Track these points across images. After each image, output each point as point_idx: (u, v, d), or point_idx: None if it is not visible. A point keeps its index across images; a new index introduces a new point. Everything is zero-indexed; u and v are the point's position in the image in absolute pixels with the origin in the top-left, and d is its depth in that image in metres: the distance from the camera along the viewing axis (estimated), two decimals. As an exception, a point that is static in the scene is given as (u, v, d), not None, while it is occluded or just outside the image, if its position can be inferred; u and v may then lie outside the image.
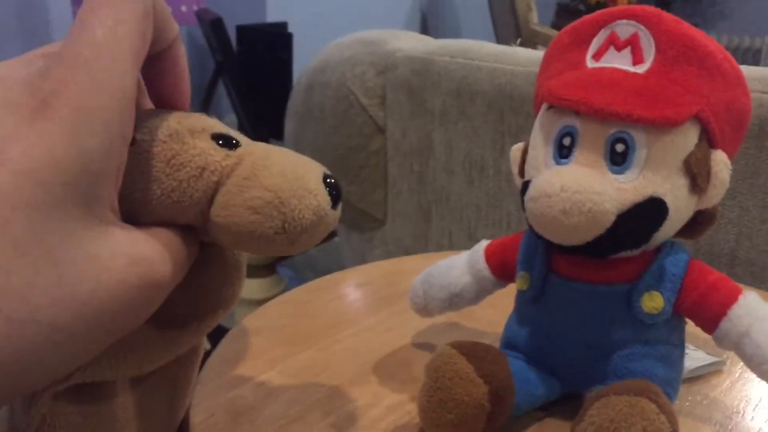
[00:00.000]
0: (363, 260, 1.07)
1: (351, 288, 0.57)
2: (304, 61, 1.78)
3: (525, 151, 0.42)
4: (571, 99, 0.37)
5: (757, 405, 0.43)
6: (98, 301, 0.22)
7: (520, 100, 0.84)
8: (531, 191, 0.36)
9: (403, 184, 0.97)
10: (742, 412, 0.42)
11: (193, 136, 0.28)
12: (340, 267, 0.58)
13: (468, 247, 0.47)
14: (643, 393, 0.33)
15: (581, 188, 0.35)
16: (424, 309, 0.46)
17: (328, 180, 0.30)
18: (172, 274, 0.26)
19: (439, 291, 0.45)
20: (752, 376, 0.38)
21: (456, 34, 3.46)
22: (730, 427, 0.40)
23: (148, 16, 0.25)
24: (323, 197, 0.29)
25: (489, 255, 0.44)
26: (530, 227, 0.38)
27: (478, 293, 0.45)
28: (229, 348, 0.48)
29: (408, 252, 0.99)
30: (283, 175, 0.29)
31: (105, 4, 0.24)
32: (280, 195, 0.28)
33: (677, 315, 0.39)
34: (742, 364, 0.46)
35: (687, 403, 0.43)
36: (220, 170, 0.28)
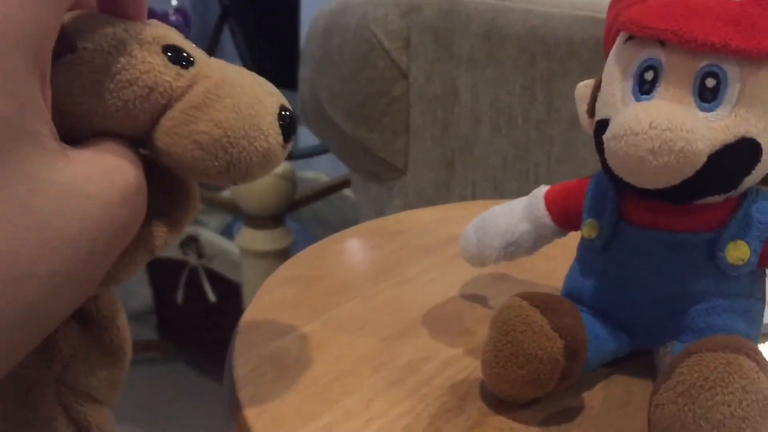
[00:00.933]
0: (380, 212, 1.04)
1: (385, 237, 0.54)
2: (310, 4, 1.72)
3: (596, 89, 0.38)
4: (658, 27, 0.33)
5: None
6: (88, 233, 0.21)
7: (555, 44, 0.80)
8: (613, 128, 0.33)
9: (426, 132, 0.93)
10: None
11: (142, 47, 0.25)
12: (349, 221, 0.55)
13: (492, 198, 0.44)
14: (740, 350, 0.30)
15: (672, 125, 0.31)
16: (477, 257, 0.43)
17: (284, 113, 0.28)
18: (143, 177, 0.25)
19: (494, 238, 0.42)
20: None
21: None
22: (809, 386, 0.38)
23: None
24: (275, 138, 0.27)
25: (550, 201, 0.41)
26: (605, 170, 0.35)
27: (536, 242, 0.42)
28: (265, 298, 0.45)
29: (428, 203, 0.96)
30: (237, 110, 0.26)
31: None
32: (230, 134, 0.26)
33: (760, 267, 0.36)
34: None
35: (760, 361, 0.40)
36: (170, 92, 0.26)
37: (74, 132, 0.25)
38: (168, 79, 0.26)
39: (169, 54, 0.26)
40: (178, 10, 1.82)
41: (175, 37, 0.27)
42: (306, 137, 1.44)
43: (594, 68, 0.82)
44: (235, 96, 0.26)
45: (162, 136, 0.26)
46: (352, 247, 0.53)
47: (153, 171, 0.27)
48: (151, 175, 0.26)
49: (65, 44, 0.24)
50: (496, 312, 0.35)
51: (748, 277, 0.36)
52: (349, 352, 0.39)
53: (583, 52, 0.78)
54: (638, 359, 0.38)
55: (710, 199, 0.35)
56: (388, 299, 0.45)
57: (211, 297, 1.49)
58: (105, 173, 0.23)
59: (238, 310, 1.44)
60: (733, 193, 0.35)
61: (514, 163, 0.87)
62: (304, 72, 1.05)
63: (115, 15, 0.26)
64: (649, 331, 0.37)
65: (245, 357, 0.38)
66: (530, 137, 0.85)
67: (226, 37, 1.89)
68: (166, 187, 0.29)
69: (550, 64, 0.80)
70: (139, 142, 0.27)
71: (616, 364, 0.38)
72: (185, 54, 0.27)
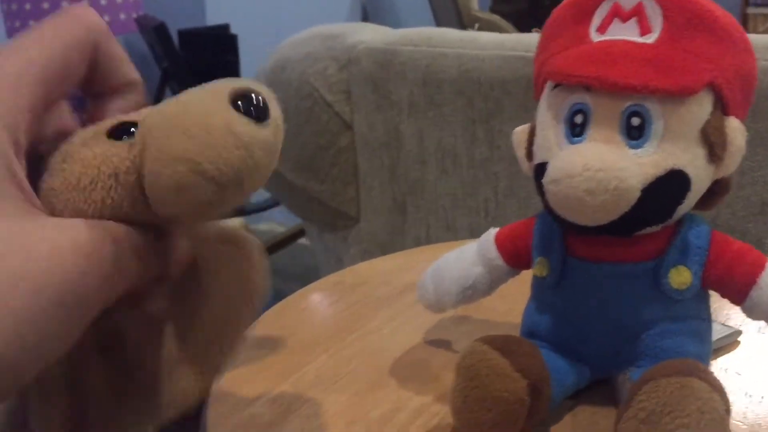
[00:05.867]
0: (338, 260, 1.05)
1: (347, 290, 0.55)
2: (249, 63, 1.74)
3: (531, 134, 0.40)
4: (582, 75, 0.35)
5: (781, 371, 0.42)
6: (47, 279, 0.22)
7: (489, 84, 0.82)
8: (551, 173, 0.35)
9: (375, 179, 0.95)
10: (768, 380, 0.41)
11: (87, 146, 0.26)
12: (308, 269, 0.55)
13: (447, 238, 0.46)
14: (692, 373, 0.32)
15: (604, 166, 0.33)
16: (436, 304, 0.44)
17: (240, 100, 0.25)
18: (112, 246, 0.25)
19: (450, 284, 0.44)
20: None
21: (396, 23, 3.45)
22: (761, 396, 0.40)
23: (78, 49, 0.26)
24: (239, 126, 0.25)
25: (500, 243, 0.43)
26: (548, 210, 0.37)
27: (492, 283, 0.44)
28: (237, 362, 0.45)
29: (384, 247, 0.98)
30: (189, 134, 0.25)
31: (40, 28, 0.26)
32: (193, 157, 0.24)
33: (703, 288, 0.38)
34: (757, 332, 0.46)
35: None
36: (134, 166, 0.26)
37: None
38: (123, 155, 0.26)
39: (115, 134, 0.27)
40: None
41: (117, 118, 0.27)
42: (257, 192, 1.44)
43: (529, 105, 0.85)
44: (182, 124, 0.25)
45: (156, 205, 0.26)
46: (315, 303, 0.54)
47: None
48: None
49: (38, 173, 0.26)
50: (459, 358, 0.36)
51: (693, 300, 0.38)
52: (321, 411, 0.40)
53: (516, 91, 0.81)
54: (599, 388, 0.40)
55: (649, 230, 0.37)
56: (356, 352, 0.46)
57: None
58: (67, 231, 0.24)
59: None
60: (669, 222, 0.37)
61: (464, 201, 0.89)
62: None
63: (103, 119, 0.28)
64: (607, 360, 0.39)
65: (220, 428, 0.38)
66: (476, 176, 0.88)
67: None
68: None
69: (487, 103, 0.83)
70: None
71: (579, 395, 0.40)
72: (126, 126, 0.27)
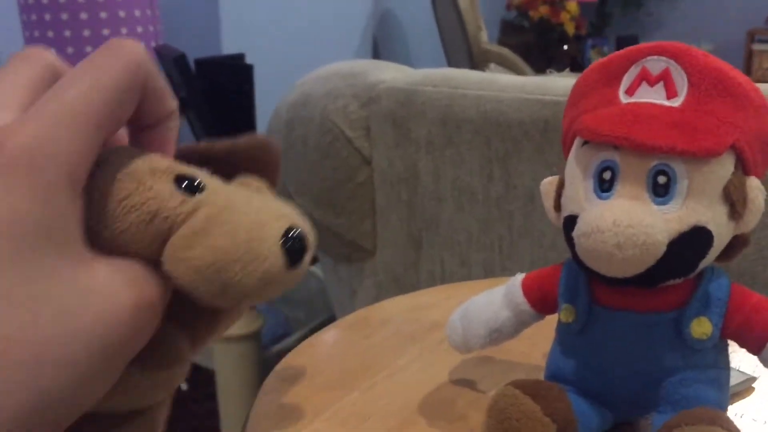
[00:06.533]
0: (352, 292, 1.07)
1: (373, 327, 0.57)
2: (263, 93, 1.77)
3: (559, 186, 0.42)
4: (611, 135, 0.38)
5: (795, 418, 0.44)
6: (100, 330, 0.23)
7: (507, 125, 0.85)
8: (582, 227, 0.37)
9: (392, 213, 0.97)
10: (783, 427, 0.43)
11: (153, 176, 0.27)
12: (316, 295, 0.57)
13: (461, 274, 0.48)
14: (715, 422, 0.34)
15: (633, 222, 0.36)
16: (463, 345, 0.46)
17: (292, 234, 0.28)
18: (162, 292, 0.27)
19: (478, 327, 0.45)
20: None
21: (406, 58, 3.49)
22: (777, 443, 0.42)
23: (131, 90, 0.26)
24: (276, 261, 0.27)
25: (527, 288, 0.45)
26: (576, 260, 0.39)
27: (518, 327, 0.46)
28: (269, 399, 0.47)
29: (399, 281, 0.99)
30: (233, 235, 0.27)
31: (92, 66, 0.25)
32: (222, 259, 0.26)
33: (722, 338, 0.40)
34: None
35: (729, 422, 0.44)
36: (173, 218, 0.27)
37: (94, 247, 0.26)
38: (172, 204, 0.27)
39: (182, 182, 0.27)
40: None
41: (193, 170, 0.29)
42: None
43: (545, 147, 0.88)
44: (234, 221, 0.27)
45: (166, 261, 0.27)
46: (343, 339, 0.56)
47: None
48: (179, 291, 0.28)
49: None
50: (491, 400, 0.38)
51: (712, 349, 0.40)
52: (354, 448, 0.42)
53: (534, 133, 0.83)
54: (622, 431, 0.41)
55: (672, 282, 0.39)
56: (385, 391, 0.48)
57: (183, 386, 1.49)
58: (123, 281, 0.25)
59: (210, 397, 1.43)
60: (692, 275, 0.39)
61: (478, 237, 0.92)
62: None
63: (143, 147, 0.28)
64: (629, 404, 0.41)
65: (259, 462, 0.40)
66: (491, 213, 0.90)
67: (184, 128, 1.92)
68: (193, 304, 0.29)
69: (505, 144, 0.86)
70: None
71: (603, 438, 0.41)
72: (196, 183, 0.28)
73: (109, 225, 0.26)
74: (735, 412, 0.45)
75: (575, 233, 0.38)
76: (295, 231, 0.28)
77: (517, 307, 0.45)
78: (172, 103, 0.29)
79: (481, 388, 0.48)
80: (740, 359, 0.50)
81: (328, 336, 0.56)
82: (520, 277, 0.46)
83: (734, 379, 0.47)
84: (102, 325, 0.24)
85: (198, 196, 0.28)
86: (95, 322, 0.23)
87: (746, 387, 0.47)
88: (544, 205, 0.44)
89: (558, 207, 0.42)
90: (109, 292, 0.24)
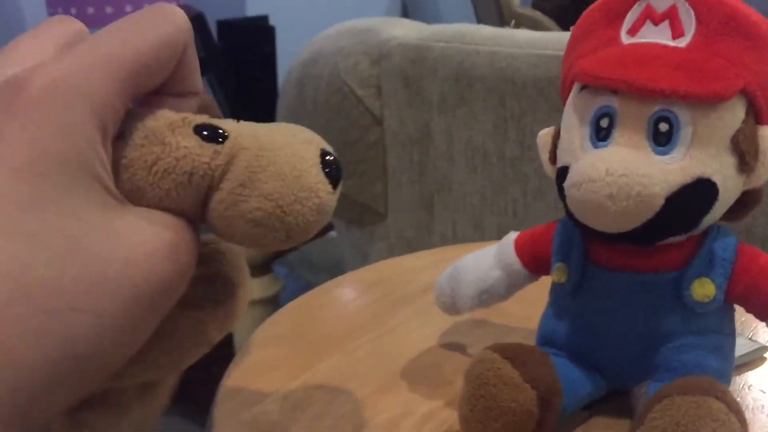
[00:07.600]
0: (364, 255, 1.04)
1: (365, 289, 0.55)
2: (286, 55, 1.74)
3: (555, 136, 0.39)
4: (609, 77, 0.34)
5: (809, 391, 0.41)
6: (131, 279, 0.22)
7: (522, 83, 0.81)
8: (572, 176, 0.34)
9: (403, 175, 0.94)
10: (795, 400, 0.40)
11: (174, 132, 0.25)
12: (336, 262, 0.55)
13: (474, 236, 0.45)
14: (709, 392, 0.31)
15: (628, 171, 0.32)
16: (452, 307, 0.43)
17: (327, 159, 0.27)
18: (196, 242, 0.25)
19: (467, 287, 0.43)
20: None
21: (436, 19, 3.43)
22: (786, 417, 0.38)
23: (170, 49, 0.25)
24: (325, 190, 0.26)
25: (519, 247, 0.42)
26: (569, 215, 0.36)
27: (509, 288, 0.43)
28: (247, 360, 0.45)
29: (411, 244, 0.97)
30: (282, 177, 0.25)
31: (134, 20, 0.25)
32: (282, 203, 0.25)
33: (727, 302, 0.37)
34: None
35: (736, 392, 0.40)
36: (211, 173, 0.25)
37: None
38: (206, 160, 0.25)
39: (204, 133, 0.26)
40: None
41: (203, 116, 0.27)
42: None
43: (562, 106, 0.83)
44: (276, 161, 0.26)
45: (217, 222, 0.26)
46: (333, 300, 0.54)
47: (210, 262, 0.27)
48: (207, 266, 0.27)
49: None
50: (469, 365, 0.35)
51: (716, 314, 0.36)
52: (329, 412, 0.39)
53: (550, 91, 0.79)
54: (615, 400, 0.39)
55: (673, 239, 0.35)
56: (369, 353, 0.45)
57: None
58: (153, 226, 0.23)
59: (230, 360, 1.43)
60: (695, 232, 0.36)
61: (492, 200, 0.88)
62: (281, 122, 1.06)
63: (170, 93, 0.27)
64: (624, 371, 0.38)
65: (226, 425, 0.38)
66: (506, 175, 0.86)
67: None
68: (219, 279, 0.29)
69: (520, 102, 0.82)
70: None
71: (594, 406, 0.38)
72: (219, 130, 0.26)
73: (146, 195, 0.25)
74: (743, 382, 0.42)
75: (566, 183, 0.34)
76: (329, 154, 0.27)
77: (509, 267, 0.42)
78: (199, 83, 0.28)
79: (470, 353, 0.45)
80: (755, 327, 0.46)
81: (314, 298, 0.54)
82: (513, 235, 0.43)
83: (743, 348, 0.44)
84: (133, 272, 0.22)
85: (227, 144, 0.26)
86: (124, 271, 0.22)
87: (757, 357, 0.44)
88: (541, 158, 0.41)
89: (554, 160, 0.39)
90: (141, 239, 0.23)
